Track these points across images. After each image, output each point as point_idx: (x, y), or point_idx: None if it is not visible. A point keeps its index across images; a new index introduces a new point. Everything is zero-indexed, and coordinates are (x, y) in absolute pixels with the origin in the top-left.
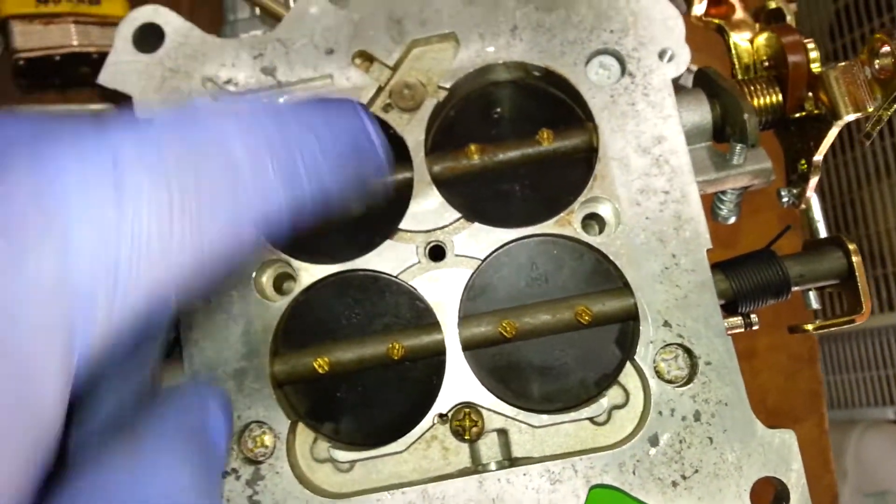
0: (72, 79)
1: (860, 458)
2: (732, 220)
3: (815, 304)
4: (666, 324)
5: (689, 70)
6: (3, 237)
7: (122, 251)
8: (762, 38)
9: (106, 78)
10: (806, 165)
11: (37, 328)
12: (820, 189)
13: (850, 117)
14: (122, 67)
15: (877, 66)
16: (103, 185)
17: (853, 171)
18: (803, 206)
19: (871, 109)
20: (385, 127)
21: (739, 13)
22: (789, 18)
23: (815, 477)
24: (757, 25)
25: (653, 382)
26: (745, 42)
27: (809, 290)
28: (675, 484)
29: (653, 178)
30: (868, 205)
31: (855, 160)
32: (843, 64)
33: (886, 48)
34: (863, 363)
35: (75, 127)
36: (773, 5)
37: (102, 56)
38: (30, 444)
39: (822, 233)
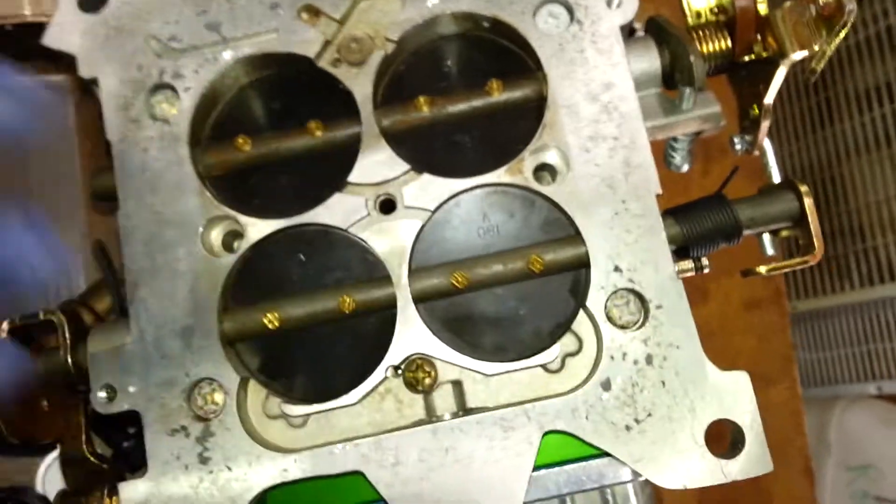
0: (26, 50)
1: (843, 433)
2: (685, 168)
3: (770, 250)
4: (616, 269)
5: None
6: None
7: None
8: None
9: (50, 39)
10: (758, 110)
11: None
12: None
13: (798, 55)
14: (67, 28)
15: (821, 3)
16: None
17: (833, 146)
18: (756, 152)
19: (816, 48)
20: (333, 81)
21: None
22: None
23: (787, 440)
24: None
25: (605, 327)
26: None
27: (762, 233)
28: (628, 428)
29: (602, 125)
30: (849, 180)
31: (835, 136)
32: (788, 4)
33: None
34: (845, 339)
35: None
36: None
37: None
38: None
39: (777, 178)
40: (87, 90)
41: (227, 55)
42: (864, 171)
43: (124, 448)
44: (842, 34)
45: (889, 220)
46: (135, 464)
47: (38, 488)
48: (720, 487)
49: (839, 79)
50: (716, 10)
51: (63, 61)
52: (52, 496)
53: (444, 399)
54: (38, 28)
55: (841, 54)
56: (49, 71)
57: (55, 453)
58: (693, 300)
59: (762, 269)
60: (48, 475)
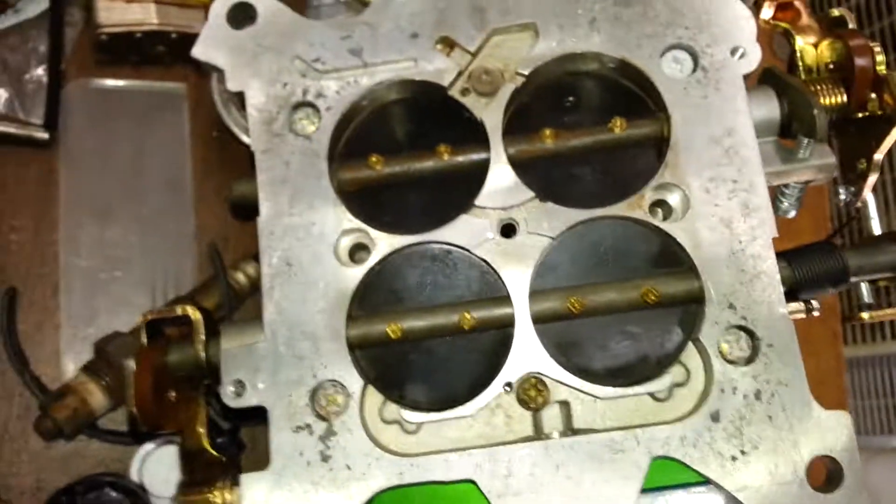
0: (148, 56)
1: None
2: (792, 213)
3: (867, 298)
4: (731, 306)
5: None
6: None
7: None
8: (826, 42)
9: (199, 51)
10: (865, 164)
11: None
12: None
13: None
14: (215, 42)
15: None
16: None
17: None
18: (859, 204)
19: None
20: (463, 110)
21: (805, 18)
22: (851, 26)
23: None
24: (820, 30)
25: (715, 362)
26: (810, 46)
27: (864, 281)
28: (734, 458)
29: (723, 168)
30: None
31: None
32: None
33: None
34: (871, 391)
35: None
36: (836, 13)
37: (180, 36)
38: None
39: (877, 230)
40: (201, 100)
41: (367, 79)
42: None
43: (218, 444)
44: None
45: None
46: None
47: (133, 476)
48: None
49: None
50: (831, 65)
51: (180, 70)
52: (147, 485)
53: (552, 418)
54: (163, 36)
55: None
56: (166, 78)
57: (150, 445)
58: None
59: (865, 315)
60: (145, 465)
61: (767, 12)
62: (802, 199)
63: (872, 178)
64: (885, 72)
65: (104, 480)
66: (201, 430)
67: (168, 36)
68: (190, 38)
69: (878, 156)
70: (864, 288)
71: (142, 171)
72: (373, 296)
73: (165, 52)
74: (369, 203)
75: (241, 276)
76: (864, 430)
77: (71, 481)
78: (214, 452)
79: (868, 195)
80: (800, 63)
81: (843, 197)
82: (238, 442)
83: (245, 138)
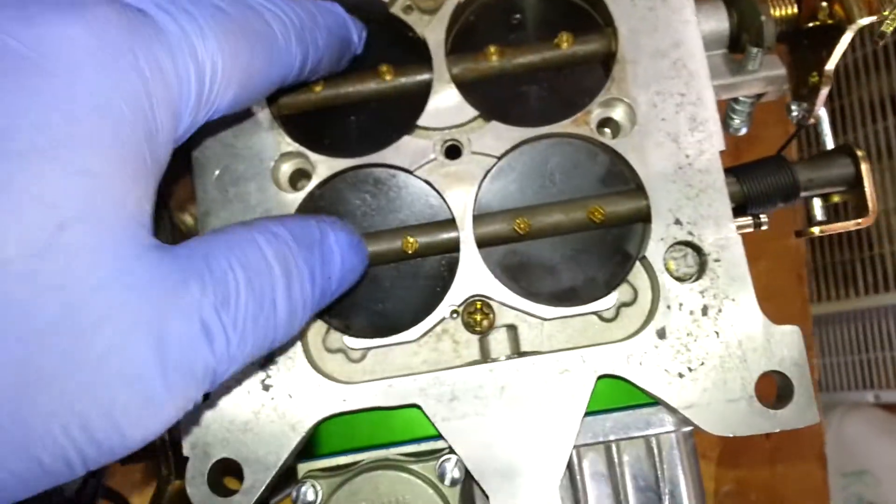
0: None
1: (840, 440)
2: (744, 130)
3: (820, 215)
4: (677, 222)
5: None
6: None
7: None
8: None
9: None
10: (817, 77)
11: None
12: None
13: (865, 20)
14: None
15: None
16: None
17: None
18: (812, 120)
19: (886, 12)
20: (405, 28)
21: None
22: None
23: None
24: None
25: (662, 278)
26: None
27: (815, 196)
28: (681, 375)
29: (670, 81)
30: None
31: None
32: None
33: None
34: (846, 346)
35: None
36: None
37: None
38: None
39: (830, 145)
40: None
41: None
42: (874, 180)
43: None
44: None
45: (895, 230)
46: None
47: None
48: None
49: (853, 88)
50: None
51: None
52: None
53: (499, 342)
54: None
55: (855, 65)
56: None
57: None
58: None
59: (815, 229)
60: None
61: None
62: (753, 115)
63: (825, 92)
64: None
65: None
66: None
67: None
68: None
69: (830, 66)
70: (817, 203)
71: None
72: None
73: None
74: (309, 127)
75: (188, 218)
76: (838, 386)
77: None
78: None
79: (821, 111)
80: None
81: (794, 113)
82: None
83: None
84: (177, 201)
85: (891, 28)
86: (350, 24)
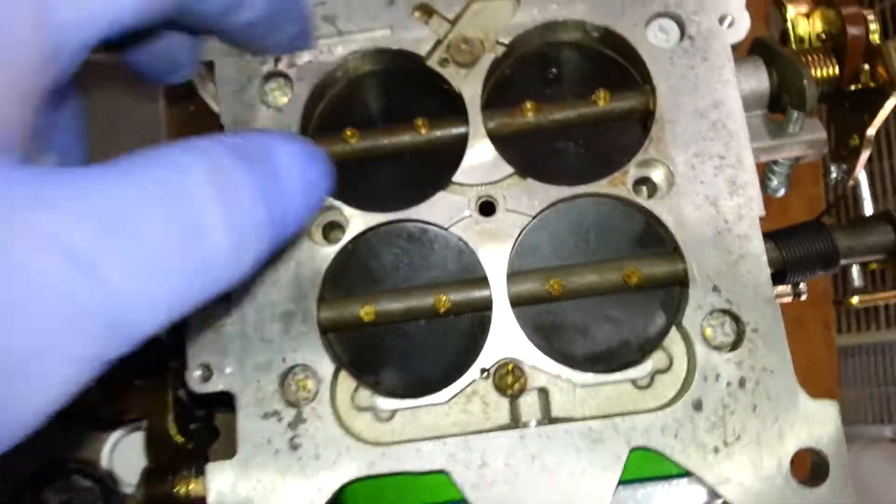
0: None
1: (857, 476)
2: (782, 192)
3: (858, 281)
4: (715, 289)
5: None
6: None
7: None
8: (818, 11)
9: None
10: (858, 140)
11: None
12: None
13: None
14: None
15: None
16: None
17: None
18: (851, 182)
19: None
20: (441, 81)
21: None
22: None
23: None
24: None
25: (699, 348)
26: (801, 15)
27: (854, 264)
28: (716, 450)
29: (709, 143)
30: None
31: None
32: None
33: None
34: (864, 380)
35: None
36: None
37: None
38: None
39: (869, 210)
40: (171, 98)
41: (341, 48)
42: None
43: (190, 430)
44: None
45: None
46: (200, 446)
47: (103, 463)
48: None
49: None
50: (823, 35)
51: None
52: (117, 472)
53: (529, 406)
54: None
55: None
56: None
57: (120, 431)
58: None
59: (855, 299)
60: (115, 451)
61: None
62: (792, 176)
63: (865, 155)
64: (878, 42)
65: (72, 467)
66: (168, 417)
67: None
68: None
69: (871, 131)
70: (856, 271)
71: (116, 146)
72: (346, 276)
73: None
74: (343, 179)
75: None
76: (856, 419)
77: (36, 468)
78: (181, 439)
79: (860, 173)
80: (791, 33)
81: (834, 175)
82: (211, 429)
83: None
84: None
85: None
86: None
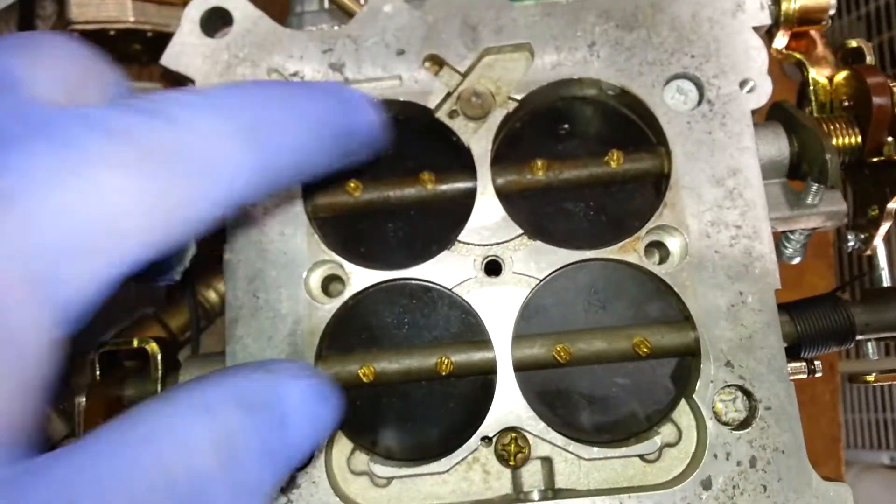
0: (123, 55)
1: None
2: (797, 259)
3: (873, 355)
4: (728, 364)
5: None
6: None
7: (88, 226)
8: (842, 77)
9: (169, 59)
10: (877, 211)
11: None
12: (887, 234)
13: None
14: (187, 49)
15: None
16: (71, 170)
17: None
18: (869, 252)
19: None
20: (450, 134)
21: (820, 49)
22: (869, 59)
23: None
24: (835, 62)
25: (710, 423)
26: (824, 79)
27: (871, 339)
28: None
29: (725, 211)
30: None
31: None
32: None
33: None
34: (862, 406)
35: (47, 116)
36: (853, 44)
37: (157, 35)
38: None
39: (886, 281)
40: None
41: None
42: None
43: None
44: None
45: None
46: None
47: None
48: None
49: None
50: (846, 102)
51: (156, 69)
52: None
53: (532, 475)
54: (139, 35)
55: None
56: (142, 77)
57: None
58: None
59: (870, 378)
60: None
61: (781, 41)
62: (808, 245)
63: (885, 228)
64: None
65: None
66: None
67: (144, 34)
68: (167, 38)
69: (893, 205)
70: (871, 346)
71: None
72: (345, 333)
73: (141, 50)
74: (345, 232)
75: (212, 294)
76: (854, 444)
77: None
78: None
79: (879, 243)
80: (812, 98)
81: (851, 244)
82: None
83: None
84: (202, 278)
85: None
86: (358, 106)
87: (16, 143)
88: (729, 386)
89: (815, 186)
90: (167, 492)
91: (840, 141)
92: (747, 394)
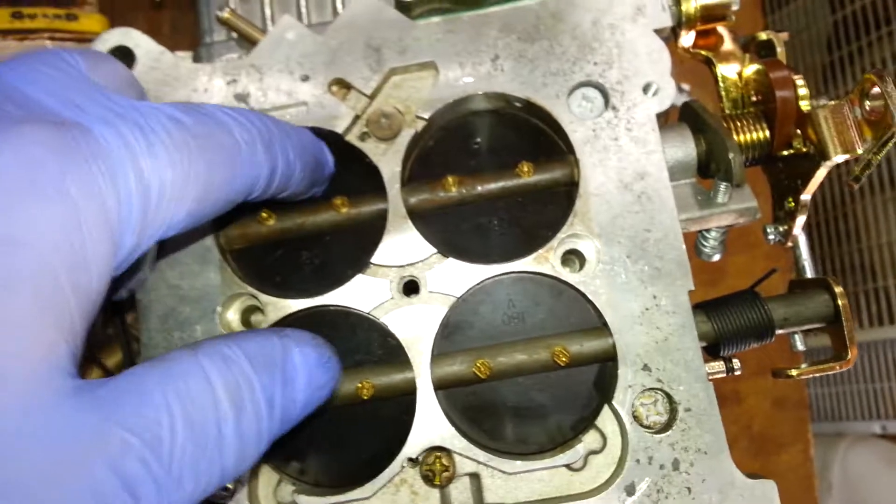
0: None
1: (846, 473)
2: (717, 257)
3: (800, 347)
4: (645, 367)
5: (681, 89)
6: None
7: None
8: (750, 70)
9: None
10: (793, 203)
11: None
12: (813, 202)
13: (839, 158)
14: None
15: (867, 107)
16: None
17: (846, 184)
18: (790, 244)
19: (860, 151)
20: (361, 156)
21: (728, 44)
22: (780, 51)
23: (797, 503)
24: (746, 57)
25: (630, 428)
26: (734, 74)
27: (795, 332)
28: None
29: (635, 216)
30: (861, 218)
31: (848, 174)
32: (832, 103)
33: (877, 89)
34: (852, 376)
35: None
36: (763, 37)
37: None
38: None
39: (809, 272)
40: None
41: None
42: (878, 211)
43: None
44: (889, 145)
45: None
46: None
47: None
48: None
49: None
50: (755, 97)
51: None
52: None
53: (460, 492)
54: None
55: None
56: None
57: None
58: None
59: (793, 372)
60: None
61: (688, 39)
62: (726, 242)
63: (801, 219)
64: (808, 107)
65: None
66: None
67: None
68: None
69: (805, 196)
70: (798, 337)
71: None
72: None
73: None
74: (259, 262)
75: None
76: (844, 415)
77: None
78: None
79: (799, 234)
80: (723, 94)
81: (771, 237)
82: None
83: None
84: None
85: (865, 172)
86: (323, 145)
87: (104, 122)
88: (648, 390)
89: (722, 185)
90: (185, 422)
91: (748, 137)
92: (667, 396)
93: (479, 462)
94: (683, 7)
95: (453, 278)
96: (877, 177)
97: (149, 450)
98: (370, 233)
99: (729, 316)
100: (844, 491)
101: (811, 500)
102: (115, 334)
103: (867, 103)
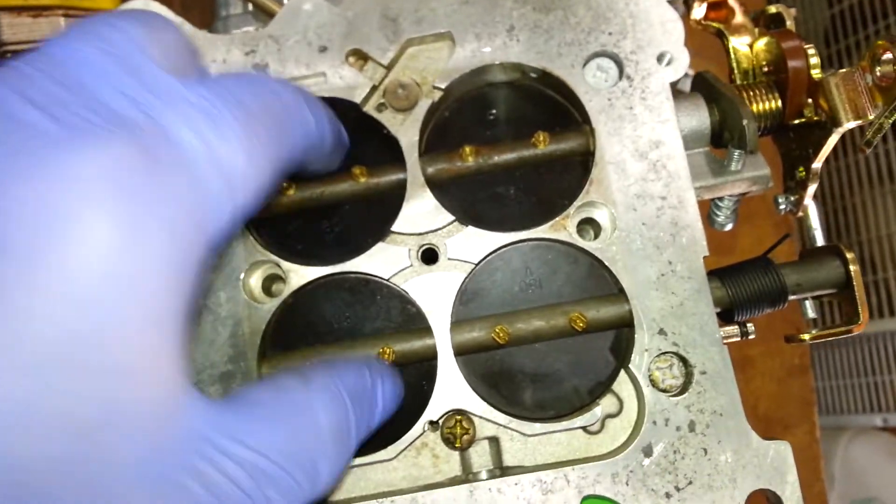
0: None
1: (848, 465)
2: (729, 226)
3: (811, 314)
4: (661, 332)
5: (686, 74)
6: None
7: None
8: (761, 43)
9: None
10: (804, 172)
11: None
12: (816, 194)
13: (851, 124)
14: None
15: (878, 73)
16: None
17: (849, 176)
18: (801, 213)
19: (871, 117)
20: (378, 127)
21: (739, 17)
22: (789, 23)
23: (805, 484)
24: (756, 30)
25: (647, 391)
26: (745, 47)
27: (806, 298)
28: (668, 495)
29: (650, 184)
30: (863, 210)
31: (849, 166)
32: (843, 70)
33: (888, 55)
34: (853, 369)
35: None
36: (773, 10)
37: None
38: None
39: (820, 241)
40: None
41: None
42: (877, 204)
43: None
44: None
45: None
46: None
47: None
48: None
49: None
50: (766, 68)
51: None
52: None
53: (480, 455)
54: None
55: None
56: None
57: None
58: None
59: (805, 336)
60: None
61: (699, 11)
62: (738, 210)
63: (812, 188)
64: (820, 75)
65: None
66: None
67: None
68: None
69: (817, 165)
70: (808, 304)
71: None
72: (287, 331)
73: None
74: (280, 231)
75: None
76: (845, 409)
77: None
78: None
79: (810, 203)
80: (734, 66)
81: (782, 206)
82: None
83: None
84: None
85: (877, 137)
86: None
87: (179, 119)
88: (664, 353)
89: (736, 153)
90: (287, 458)
91: (760, 106)
92: (683, 360)
93: (498, 424)
94: None
95: (472, 246)
96: (876, 169)
97: (248, 478)
98: (389, 202)
99: (743, 282)
100: (846, 484)
101: (818, 483)
102: None
103: (878, 69)
